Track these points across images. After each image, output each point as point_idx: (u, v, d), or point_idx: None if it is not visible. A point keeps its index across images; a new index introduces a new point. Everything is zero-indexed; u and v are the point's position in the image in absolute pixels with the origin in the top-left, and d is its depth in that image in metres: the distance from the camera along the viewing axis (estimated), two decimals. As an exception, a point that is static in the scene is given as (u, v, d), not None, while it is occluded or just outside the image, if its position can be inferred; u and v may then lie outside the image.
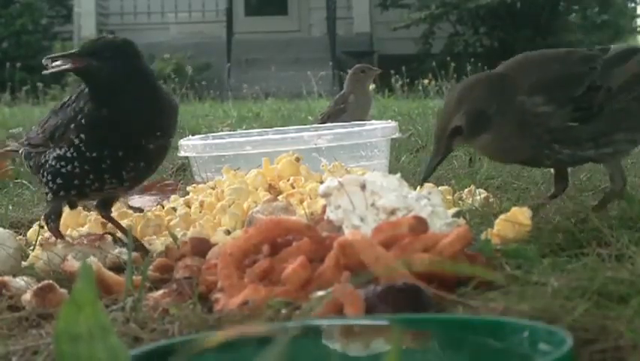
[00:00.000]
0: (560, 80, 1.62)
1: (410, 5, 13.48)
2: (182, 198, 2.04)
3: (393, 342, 0.83)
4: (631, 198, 1.66)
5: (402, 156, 2.82)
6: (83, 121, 1.69)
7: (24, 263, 1.63)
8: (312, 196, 1.86)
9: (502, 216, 1.53)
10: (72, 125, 1.70)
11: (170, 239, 1.71)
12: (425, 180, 1.66)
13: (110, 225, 1.87)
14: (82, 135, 1.69)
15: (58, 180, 1.72)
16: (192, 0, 13.87)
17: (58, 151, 1.72)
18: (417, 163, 2.65)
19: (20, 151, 1.87)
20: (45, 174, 1.74)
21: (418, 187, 1.56)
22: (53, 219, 1.74)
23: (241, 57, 12.67)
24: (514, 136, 1.60)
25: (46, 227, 1.77)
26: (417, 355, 0.97)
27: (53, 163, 1.72)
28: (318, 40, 13.36)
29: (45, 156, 1.75)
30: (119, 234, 1.80)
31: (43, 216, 1.80)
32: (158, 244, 1.75)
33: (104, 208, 1.83)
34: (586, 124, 1.60)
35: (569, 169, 1.77)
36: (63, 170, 1.71)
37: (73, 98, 1.75)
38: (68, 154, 1.71)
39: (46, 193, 1.77)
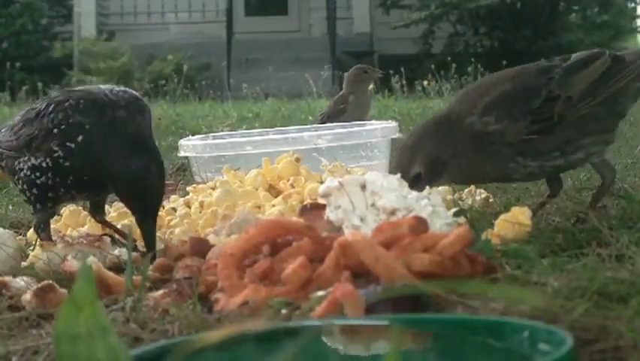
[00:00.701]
0: (513, 96, 1.62)
1: (410, 5, 13.47)
2: (182, 198, 2.04)
3: (393, 342, 0.82)
4: (631, 198, 1.66)
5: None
6: (60, 134, 1.68)
7: (24, 263, 1.63)
8: (312, 197, 1.86)
9: (502, 216, 1.53)
10: (50, 136, 1.69)
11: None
12: None
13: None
14: (63, 145, 1.68)
15: (34, 191, 1.71)
16: (192, 0, 13.87)
17: (33, 161, 1.70)
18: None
19: None
20: (21, 182, 1.73)
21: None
22: (43, 228, 1.73)
23: (241, 57, 12.67)
24: (472, 160, 1.61)
25: (37, 237, 1.75)
26: (417, 355, 0.97)
27: (28, 173, 1.71)
28: (318, 40, 13.35)
29: (20, 164, 1.73)
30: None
31: (32, 228, 1.80)
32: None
33: (97, 212, 1.83)
34: (548, 134, 1.61)
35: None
36: (38, 181, 1.70)
37: (50, 109, 1.70)
38: (44, 164, 1.69)
39: (26, 202, 1.76)
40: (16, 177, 1.74)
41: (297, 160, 2.09)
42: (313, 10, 14.09)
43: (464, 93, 1.72)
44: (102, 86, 1.76)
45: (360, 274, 1.21)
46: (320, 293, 1.16)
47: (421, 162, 1.60)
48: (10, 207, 2.26)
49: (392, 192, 1.41)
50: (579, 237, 1.45)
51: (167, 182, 2.42)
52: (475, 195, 1.94)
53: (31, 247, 1.76)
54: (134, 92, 1.76)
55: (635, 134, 3.07)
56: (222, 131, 4.18)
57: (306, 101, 7.00)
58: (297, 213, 1.65)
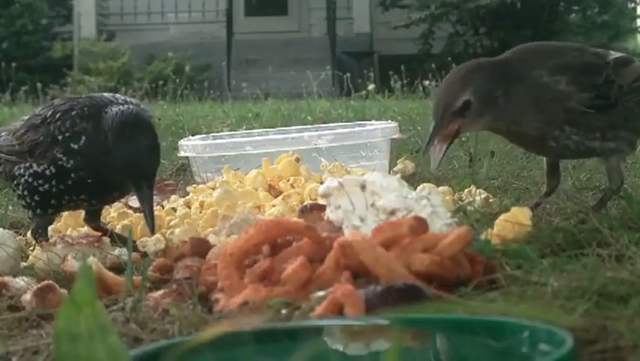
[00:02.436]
0: (581, 66, 1.64)
1: (410, 5, 13.47)
2: (182, 199, 2.04)
3: (393, 342, 0.82)
4: (631, 198, 1.66)
5: (402, 156, 2.81)
6: (64, 140, 1.68)
7: (24, 263, 1.63)
8: (312, 197, 1.86)
9: (502, 216, 1.53)
10: (55, 143, 1.69)
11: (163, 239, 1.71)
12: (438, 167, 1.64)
13: (109, 226, 1.87)
14: (66, 149, 1.68)
15: (36, 198, 1.71)
16: (192, 0, 13.87)
17: (35, 168, 1.70)
18: (417, 163, 2.65)
19: None
20: (21, 188, 1.72)
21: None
22: (41, 233, 1.73)
23: (241, 57, 12.67)
24: (526, 110, 1.60)
25: (35, 242, 1.75)
26: (417, 355, 0.97)
27: (30, 180, 1.71)
28: (318, 41, 13.35)
29: (20, 169, 1.72)
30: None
31: (30, 232, 1.79)
32: (150, 244, 1.74)
33: (92, 220, 1.82)
34: (601, 113, 1.62)
35: (562, 167, 1.77)
36: (40, 188, 1.70)
37: (57, 116, 1.70)
38: (47, 172, 1.69)
39: (25, 207, 1.75)
40: (15, 182, 1.74)
41: (297, 160, 2.09)
42: (313, 10, 14.09)
43: (524, 49, 1.69)
44: (105, 94, 1.77)
45: (360, 274, 1.21)
46: (320, 293, 1.16)
47: (473, 91, 1.56)
48: (10, 208, 2.26)
49: (392, 193, 1.41)
50: (579, 237, 1.44)
51: (167, 182, 2.42)
52: (475, 195, 1.94)
53: (31, 247, 1.76)
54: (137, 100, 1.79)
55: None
56: (222, 131, 4.18)
57: (306, 102, 7.00)
58: (297, 214, 1.65)
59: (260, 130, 3.20)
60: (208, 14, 13.92)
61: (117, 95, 1.75)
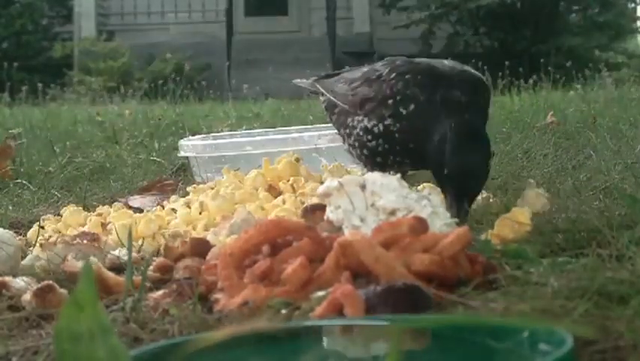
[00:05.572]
0: None
1: (410, 6, 13.47)
2: (183, 199, 2.04)
3: (393, 342, 0.82)
4: (632, 198, 1.66)
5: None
6: (394, 103, 1.68)
7: (24, 263, 1.63)
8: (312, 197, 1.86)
9: (502, 216, 1.53)
10: (385, 103, 1.69)
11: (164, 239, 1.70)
12: None
13: (109, 226, 1.87)
14: (395, 112, 1.67)
15: (365, 152, 1.74)
16: (192, 0, 13.87)
17: (366, 123, 1.72)
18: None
19: (323, 98, 1.86)
20: (352, 139, 1.76)
21: None
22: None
23: (241, 57, 12.67)
24: None
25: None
26: (417, 355, 0.97)
27: (361, 134, 1.73)
28: (318, 41, 13.35)
29: (354, 121, 1.75)
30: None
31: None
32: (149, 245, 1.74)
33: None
34: None
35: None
36: (369, 144, 1.72)
37: (392, 76, 1.69)
38: (375, 129, 1.70)
39: (355, 158, 1.79)
40: (347, 131, 1.77)
41: (297, 160, 2.09)
42: (313, 11, 14.09)
43: None
44: (445, 62, 1.74)
45: (360, 274, 1.22)
46: (320, 293, 1.16)
47: None
48: (10, 207, 2.26)
49: (392, 192, 1.41)
50: (579, 237, 1.44)
51: (167, 182, 2.42)
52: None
53: (31, 247, 1.76)
54: (476, 73, 1.73)
55: (635, 135, 3.07)
56: (222, 131, 4.19)
57: (306, 101, 7.00)
58: (301, 214, 1.65)
59: (260, 130, 3.20)
60: (208, 14, 13.93)
61: (457, 67, 1.71)
